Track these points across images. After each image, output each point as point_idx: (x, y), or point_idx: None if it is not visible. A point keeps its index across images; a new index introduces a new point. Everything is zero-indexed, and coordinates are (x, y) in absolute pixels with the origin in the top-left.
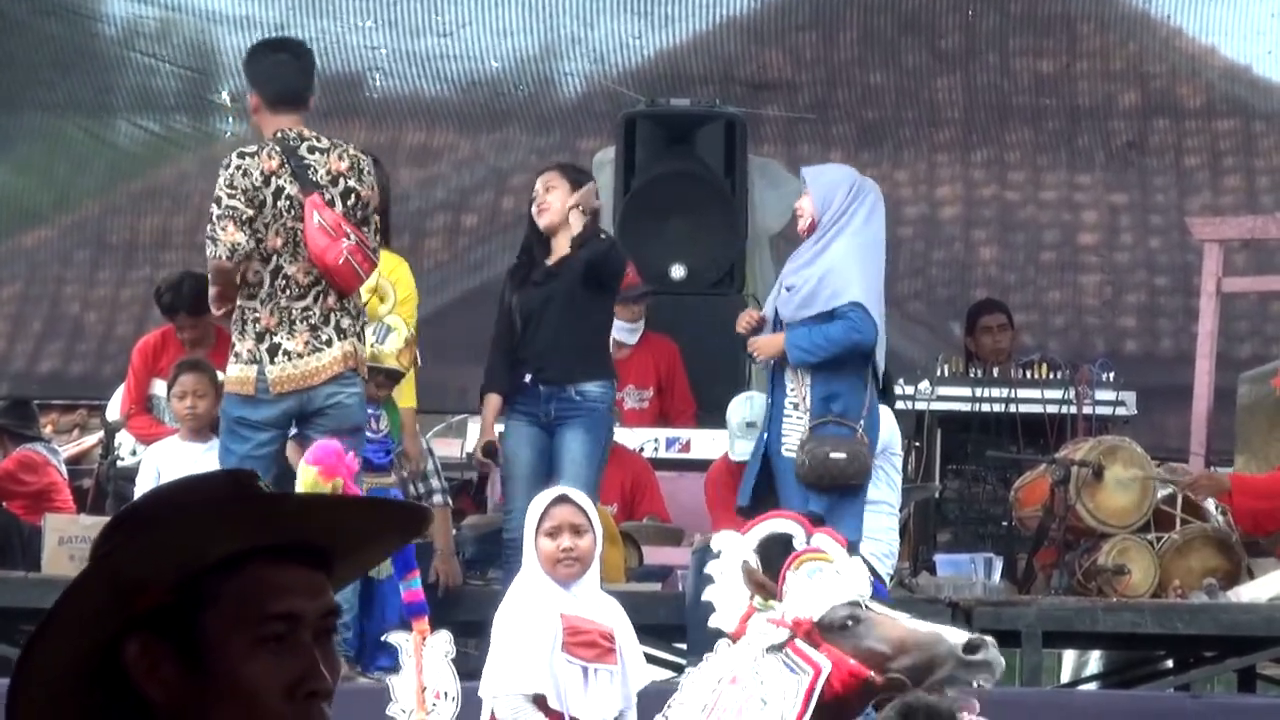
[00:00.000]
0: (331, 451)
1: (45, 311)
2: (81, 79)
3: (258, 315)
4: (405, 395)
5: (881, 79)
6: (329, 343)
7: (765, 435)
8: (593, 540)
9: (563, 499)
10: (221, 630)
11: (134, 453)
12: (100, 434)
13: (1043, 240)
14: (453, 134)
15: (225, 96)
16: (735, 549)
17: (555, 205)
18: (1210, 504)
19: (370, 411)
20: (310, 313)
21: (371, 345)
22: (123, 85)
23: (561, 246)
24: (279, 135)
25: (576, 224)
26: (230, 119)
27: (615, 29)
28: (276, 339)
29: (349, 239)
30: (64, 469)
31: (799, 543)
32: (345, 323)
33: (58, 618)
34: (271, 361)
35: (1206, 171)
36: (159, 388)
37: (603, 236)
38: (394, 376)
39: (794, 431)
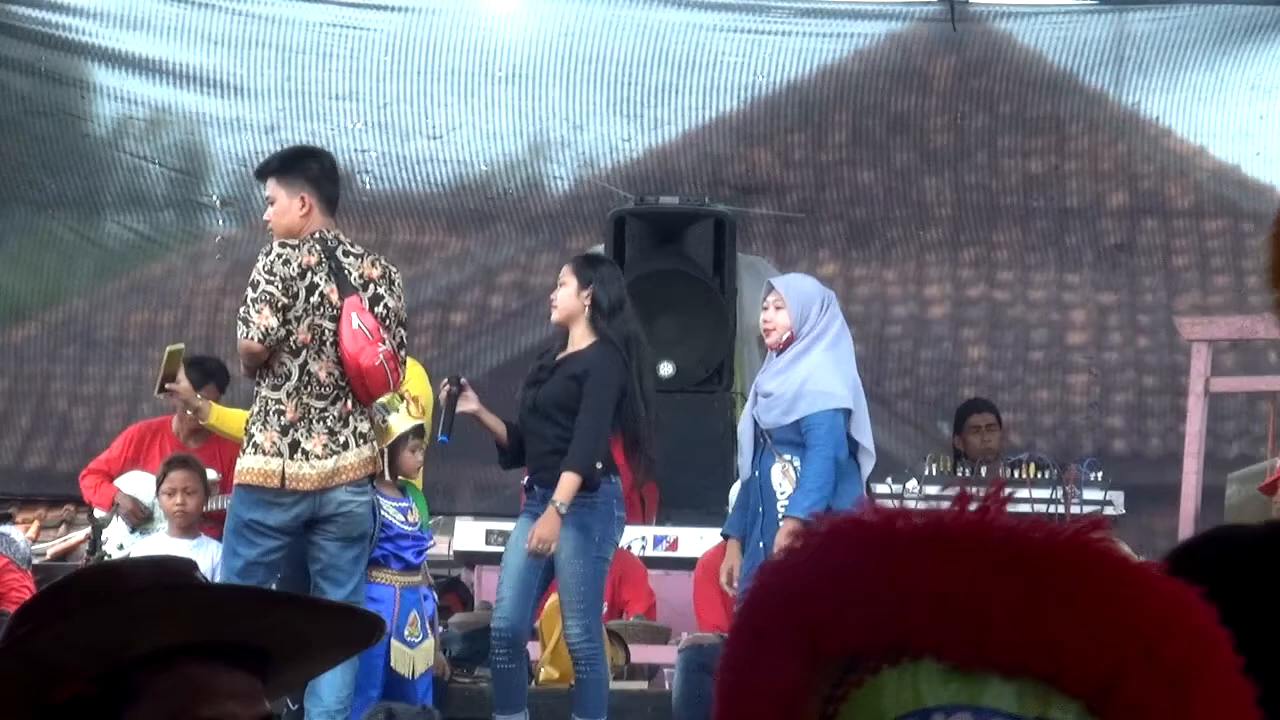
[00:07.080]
0: None
1: (33, 407)
2: (71, 178)
3: (282, 408)
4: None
5: (870, 178)
6: (345, 446)
7: (761, 542)
8: None
9: None
10: None
11: (121, 548)
12: (87, 530)
13: (1031, 340)
14: (441, 232)
15: (216, 199)
16: None
17: (560, 301)
18: None
19: (402, 504)
20: (328, 414)
21: (380, 422)
22: (111, 185)
23: (576, 340)
24: (318, 235)
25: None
26: (220, 218)
27: (605, 133)
28: (297, 435)
29: (384, 344)
30: (10, 545)
31: None
32: (364, 428)
33: None
34: (291, 458)
35: (1195, 271)
36: (141, 481)
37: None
38: (418, 433)
39: None
